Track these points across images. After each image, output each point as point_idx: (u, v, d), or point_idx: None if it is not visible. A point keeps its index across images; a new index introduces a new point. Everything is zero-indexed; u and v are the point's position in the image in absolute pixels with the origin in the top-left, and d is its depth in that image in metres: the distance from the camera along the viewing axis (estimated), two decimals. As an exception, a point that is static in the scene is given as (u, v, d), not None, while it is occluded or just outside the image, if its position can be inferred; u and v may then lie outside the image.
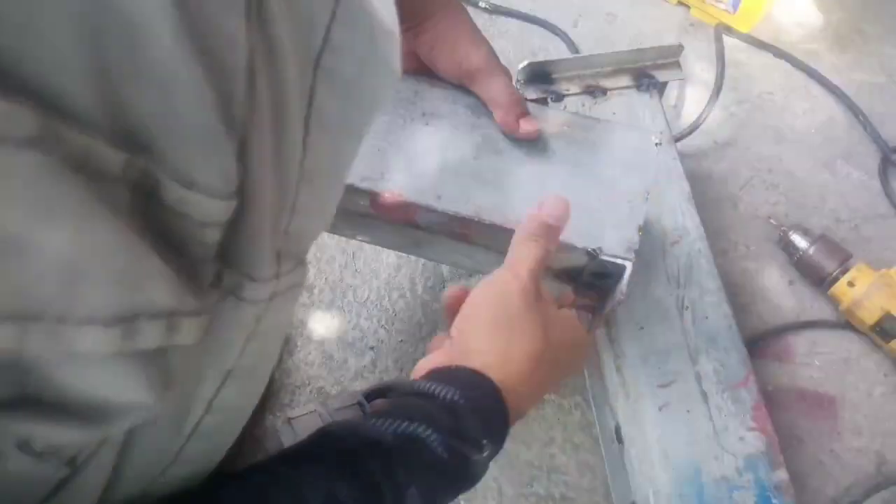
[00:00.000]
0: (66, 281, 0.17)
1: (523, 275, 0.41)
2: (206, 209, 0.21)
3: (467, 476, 0.35)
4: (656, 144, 0.52)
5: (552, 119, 0.53)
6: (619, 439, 0.58)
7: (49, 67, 0.16)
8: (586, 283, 0.53)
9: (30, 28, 0.15)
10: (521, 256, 0.42)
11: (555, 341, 0.41)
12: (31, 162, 0.16)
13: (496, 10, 1.00)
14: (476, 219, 0.49)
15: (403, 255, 0.77)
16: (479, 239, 0.52)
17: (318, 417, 0.60)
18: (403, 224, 0.52)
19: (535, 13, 1.00)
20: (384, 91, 0.28)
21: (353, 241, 0.78)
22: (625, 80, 0.68)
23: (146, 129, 0.18)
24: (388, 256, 0.77)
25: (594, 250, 0.47)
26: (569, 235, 0.47)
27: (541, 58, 0.66)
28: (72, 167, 0.17)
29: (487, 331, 0.39)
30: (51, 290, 0.17)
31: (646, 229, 0.63)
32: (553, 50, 0.97)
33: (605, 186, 0.50)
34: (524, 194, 0.50)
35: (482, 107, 0.53)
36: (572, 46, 0.96)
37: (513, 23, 1.00)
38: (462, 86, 0.53)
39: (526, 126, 0.51)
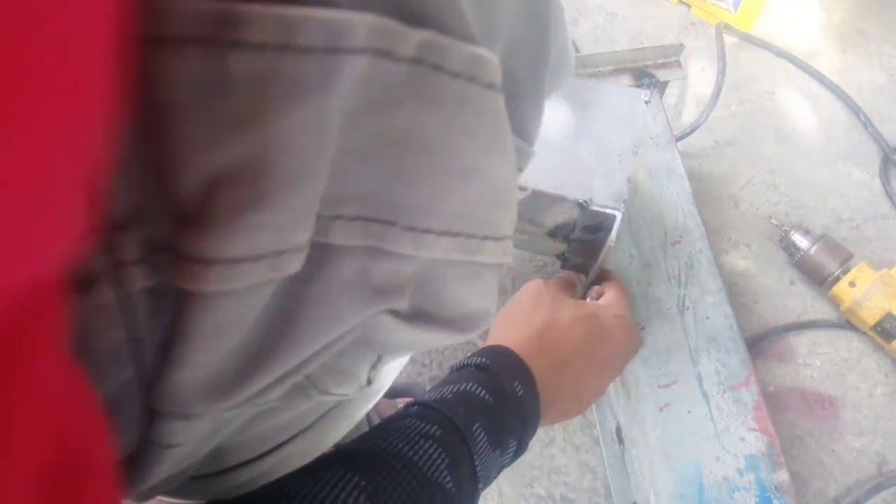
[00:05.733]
0: (486, 208, 0.21)
1: (538, 281, 0.48)
2: (489, 63, 0.21)
3: (515, 408, 0.39)
4: (646, 102, 0.54)
5: None
6: (620, 440, 0.58)
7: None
8: (578, 240, 0.53)
9: None
10: None
11: (562, 321, 0.45)
12: (499, 102, 0.19)
13: (496, 10, 1.00)
14: None
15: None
16: None
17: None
18: None
19: (535, 12, 0.99)
20: (567, 72, 0.30)
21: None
22: (625, 80, 0.68)
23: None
24: (388, 256, 0.77)
25: (585, 201, 0.48)
26: (561, 189, 0.49)
27: (541, 57, 0.66)
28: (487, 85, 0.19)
29: (502, 325, 0.46)
30: (476, 214, 0.21)
31: (647, 229, 0.63)
32: (553, 49, 0.97)
33: (596, 142, 0.52)
34: None
35: None
36: (573, 45, 0.96)
37: (513, 22, 1.00)
38: None
39: None
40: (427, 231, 0.20)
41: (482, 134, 0.19)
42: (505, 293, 0.74)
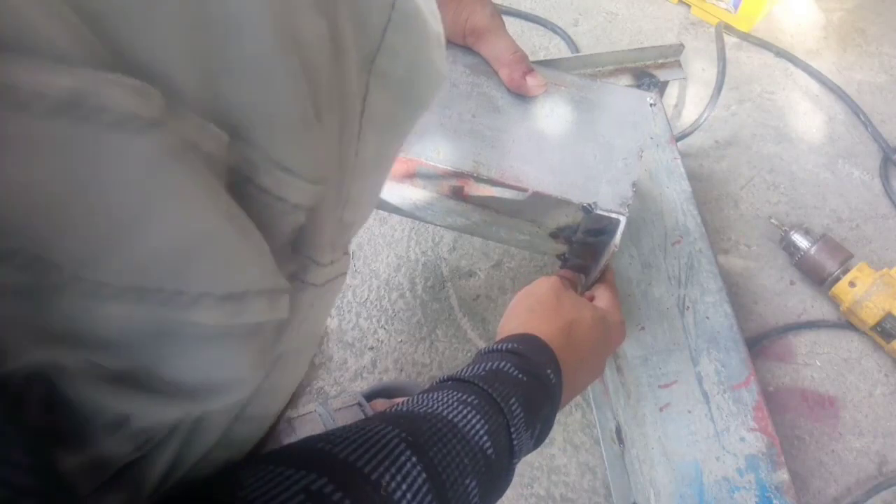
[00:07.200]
0: (181, 261, 0.18)
1: (552, 277, 0.49)
2: (301, 192, 0.22)
3: (548, 392, 0.41)
4: (651, 105, 0.53)
5: (550, 79, 0.54)
6: (620, 440, 0.58)
7: (161, 55, 0.17)
8: (580, 242, 0.53)
9: (144, 15, 0.16)
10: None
11: (585, 320, 0.48)
12: (153, 144, 0.16)
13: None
14: (475, 173, 0.50)
15: (403, 254, 0.77)
16: (475, 198, 0.53)
17: (317, 417, 0.60)
18: (403, 183, 0.53)
19: (535, 12, 0.99)
20: (431, 92, 0.29)
21: (352, 241, 0.78)
22: (625, 80, 0.68)
23: (244, 118, 0.19)
24: (388, 256, 0.77)
25: (589, 205, 0.48)
26: (565, 191, 0.48)
27: (541, 57, 0.66)
28: (188, 148, 0.17)
29: (523, 315, 0.47)
30: (167, 268, 0.18)
31: (647, 229, 0.63)
32: (553, 49, 0.97)
33: (601, 144, 0.51)
34: (522, 151, 0.51)
35: (481, 66, 0.54)
36: (573, 45, 0.96)
37: (513, 22, 1.00)
38: (465, 46, 0.54)
39: (533, 81, 0.52)
40: (102, 284, 0.17)
41: (140, 180, 0.17)
42: (505, 293, 0.74)
